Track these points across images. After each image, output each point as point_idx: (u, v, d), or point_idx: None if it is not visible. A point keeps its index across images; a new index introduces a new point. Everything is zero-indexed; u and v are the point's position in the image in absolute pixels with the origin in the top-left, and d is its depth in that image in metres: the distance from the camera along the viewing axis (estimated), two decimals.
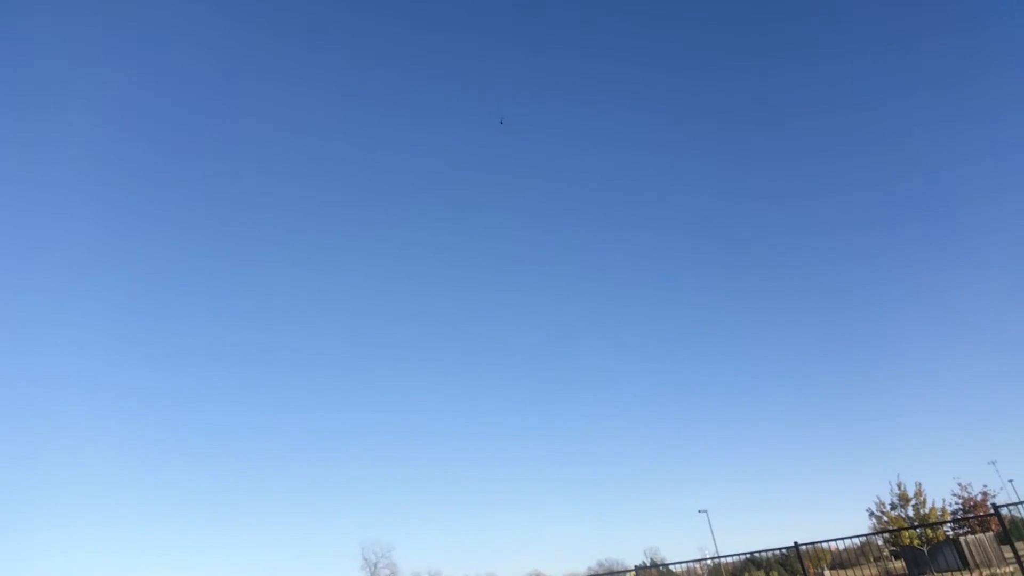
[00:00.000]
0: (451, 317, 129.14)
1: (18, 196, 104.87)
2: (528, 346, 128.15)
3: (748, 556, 24.92)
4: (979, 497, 42.63)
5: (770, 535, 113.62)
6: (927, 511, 38.58)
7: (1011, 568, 25.44)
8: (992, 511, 15.41)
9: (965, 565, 31.54)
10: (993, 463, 51.18)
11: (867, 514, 41.49)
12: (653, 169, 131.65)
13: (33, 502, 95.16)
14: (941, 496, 53.51)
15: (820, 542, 10.86)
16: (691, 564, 49.31)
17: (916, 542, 37.39)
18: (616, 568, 75.91)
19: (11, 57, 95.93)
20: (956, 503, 43.02)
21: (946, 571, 30.89)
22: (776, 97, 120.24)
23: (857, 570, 50.95)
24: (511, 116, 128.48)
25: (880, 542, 49.71)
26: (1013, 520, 36.86)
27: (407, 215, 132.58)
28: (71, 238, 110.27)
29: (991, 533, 36.37)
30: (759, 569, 67.51)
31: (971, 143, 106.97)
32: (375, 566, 76.39)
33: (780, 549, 12.16)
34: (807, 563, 10.89)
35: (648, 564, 68.80)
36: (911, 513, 39.01)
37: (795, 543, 10.59)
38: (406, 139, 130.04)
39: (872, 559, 54.84)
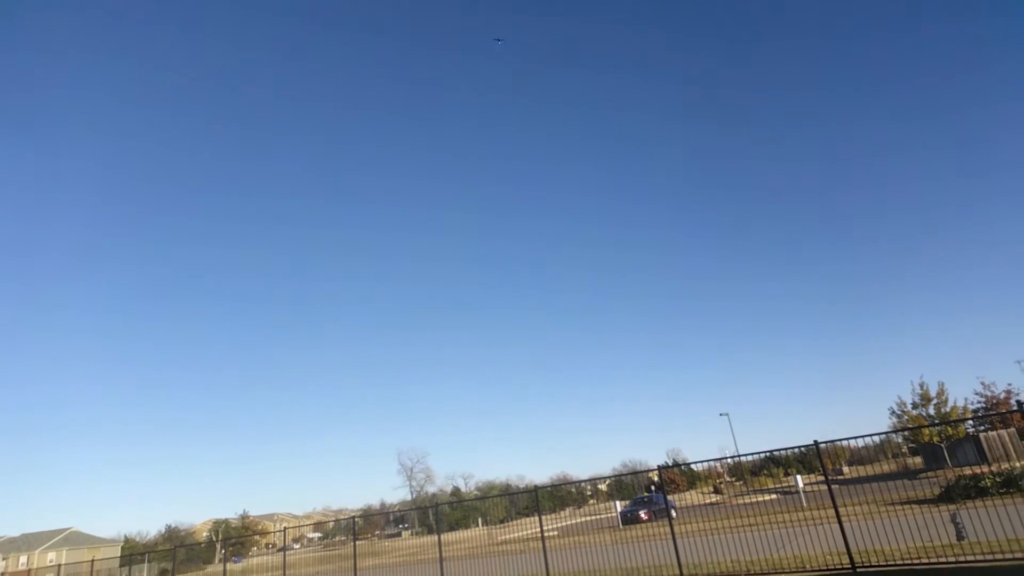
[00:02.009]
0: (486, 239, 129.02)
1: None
2: (550, 261, 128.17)
3: (767, 454, 25.72)
4: (1002, 395, 42.50)
5: (789, 435, 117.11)
6: (948, 410, 38.66)
7: None
8: (1015, 408, 15.57)
9: (984, 460, 32.06)
10: (1019, 363, 50.92)
11: (888, 413, 41.93)
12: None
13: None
14: (964, 396, 53.69)
15: (839, 440, 10.97)
16: (712, 463, 51.46)
17: (936, 439, 37.85)
18: (639, 468, 79.65)
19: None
20: (979, 402, 43.09)
21: (964, 466, 31.51)
22: None
23: (875, 466, 52.31)
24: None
25: (899, 440, 50.57)
26: None
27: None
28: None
29: (1012, 430, 36.58)
30: (778, 467, 70.08)
31: None
32: (411, 471, 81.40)
33: (799, 447, 12.40)
34: (825, 460, 11.11)
35: (671, 464, 71.85)
36: (932, 412, 39.21)
37: (815, 441, 10.75)
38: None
39: (890, 456, 56.19)
